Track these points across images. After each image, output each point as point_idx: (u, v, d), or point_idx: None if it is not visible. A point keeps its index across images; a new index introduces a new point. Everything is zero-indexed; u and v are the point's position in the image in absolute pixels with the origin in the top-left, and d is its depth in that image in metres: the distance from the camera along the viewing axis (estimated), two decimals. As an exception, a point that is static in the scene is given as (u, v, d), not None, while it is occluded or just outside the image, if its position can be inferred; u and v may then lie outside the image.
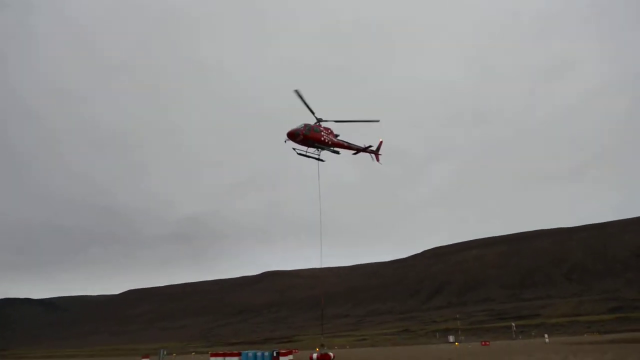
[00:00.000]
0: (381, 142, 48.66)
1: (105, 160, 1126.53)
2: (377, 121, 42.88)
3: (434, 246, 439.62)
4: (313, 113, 42.05)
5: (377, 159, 48.67)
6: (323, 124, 43.40)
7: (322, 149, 43.61)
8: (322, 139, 42.98)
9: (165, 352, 64.11)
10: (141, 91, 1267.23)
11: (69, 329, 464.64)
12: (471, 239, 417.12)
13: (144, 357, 55.32)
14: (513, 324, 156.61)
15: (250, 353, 45.55)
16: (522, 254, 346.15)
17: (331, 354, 52.31)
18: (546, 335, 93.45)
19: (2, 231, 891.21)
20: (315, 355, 51.18)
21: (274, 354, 43.62)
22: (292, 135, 41.62)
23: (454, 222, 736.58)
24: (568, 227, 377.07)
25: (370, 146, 47.44)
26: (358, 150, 47.14)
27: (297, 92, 39.79)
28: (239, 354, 46.26)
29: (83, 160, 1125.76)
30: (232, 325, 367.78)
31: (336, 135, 44.59)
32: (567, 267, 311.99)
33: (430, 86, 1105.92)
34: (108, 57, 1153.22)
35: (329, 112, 43.28)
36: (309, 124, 42.25)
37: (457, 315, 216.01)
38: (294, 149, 42.44)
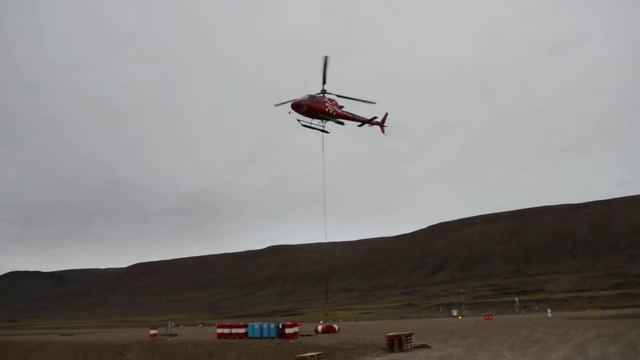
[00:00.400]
0: (386, 114, 48.45)
1: (109, 135, 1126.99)
2: (374, 103, 42.75)
3: (438, 222, 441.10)
4: (324, 83, 41.70)
5: (383, 131, 48.43)
6: (327, 96, 43.13)
7: (327, 120, 43.38)
8: (327, 110, 42.69)
9: (172, 324, 65.24)
10: (143, 66, 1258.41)
11: (78, 301, 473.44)
12: (476, 214, 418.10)
13: (152, 328, 56.33)
14: (516, 299, 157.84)
15: (257, 325, 46.28)
16: (527, 230, 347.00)
17: (336, 326, 53.15)
18: (549, 310, 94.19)
19: (10, 205, 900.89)
20: (320, 327, 52.01)
21: (280, 326, 44.32)
22: (296, 107, 41.31)
23: (458, 197, 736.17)
24: (573, 204, 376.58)
25: (375, 117, 47.08)
26: (363, 122, 46.73)
27: (325, 58, 39.55)
28: (245, 326, 47.01)
29: (87, 134, 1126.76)
30: (237, 298, 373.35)
31: (340, 107, 44.35)
32: (571, 243, 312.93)
33: (436, 59, 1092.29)
34: (111, 30, 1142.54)
35: (330, 85, 43.02)
36: (312, 95, 41.96)
37: (461, 290, 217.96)
38: (299, 120, 42.22)
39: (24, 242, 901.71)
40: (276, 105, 41.67)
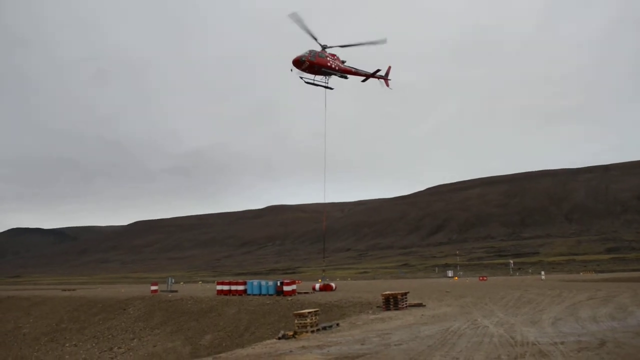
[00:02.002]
0: (389, 68, 47.28)
1: (110, 91, 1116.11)
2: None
3: (436, 184, 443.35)
4: (341, 46, 40.76)
5: (387, 84, 47.37)
6: (328, 50, 42.06)
7: (330, 75, 42.37)
8: (329, 64, 41.54)
9: (173, 280, 66.33)
10: (147, 20, 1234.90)
11: (79, 258, 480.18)
12: (474, 177, 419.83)
13: (152, 285, 57.34)
14: (511, 261, 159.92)
15: (255, 282, 47.04)
16: (524, 194, 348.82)
17: (333, 285, 54.08)
18: (542, 272, 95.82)
19: (11, 163, 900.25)
20: (317, 285, 52.94)
21: (278, 284, 45.07)
22: (298, 63, 40.24)
23: (457, 160, 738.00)
24: (571, 168, 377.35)
25: (378, 70, 45.92)
26: (366, 76, 45.51)
27: (382, 40, 38.95)
28: (244, 283, 47.78)
29: (88, 90, 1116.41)
30: (237, 256, 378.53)
31: (343, 62, 43.30)
32: (568, 207, 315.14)
33: (435, 21, 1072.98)
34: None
35: (331, 42, 42.15)
36: (314, 50, 40.84)
37: (457, 252, 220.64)
38: (301, 77, 41.26)
39: (25, 199, 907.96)
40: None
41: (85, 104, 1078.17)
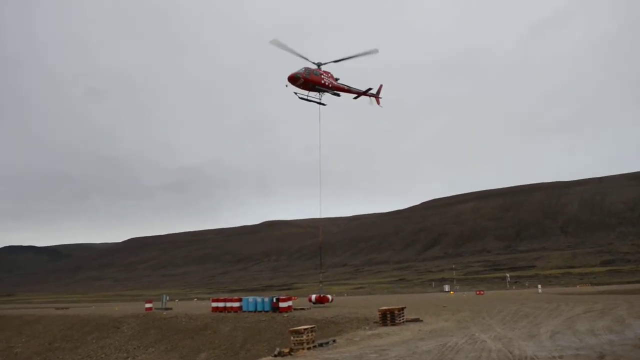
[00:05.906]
0: (381, 86, 48.48)
1: (105, 107, 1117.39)
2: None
3: (431, 198, 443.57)
4: (336, 61, 41.92)
5: (378, 102, 48.46)
6: (323, 67, 43.08)
7: (323, 92, 43.43)
8: (323, 82, 42.76)
9: (167, 298, 65.71)
10: (142, 35, 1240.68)
11: (73, 276, 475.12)
12: (469, 191, 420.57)
13: (147, 302, 56.75)
14: (507, 275, 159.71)
15: (251, 299, 46.67)
16: (519, 207, 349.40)
17: (330, 296, 53.71)
18: (539, 286, 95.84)
19: (4, 179, 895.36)
20: (314, 297, 52.56)
21: (274, 300, 44.72)
22: (293, 79, 41.41)
23: (451, 174, 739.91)
24: (566, 181, 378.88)
25: (370, 89, 47.06)
26: (358, 93, 46.69)
27: (372, 51, 39.89)
28: (239, 300, 47.39)
29: (84, 105, 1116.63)
30: (232, 273, 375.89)
31: (336, 79, 44.38)
32: (562, 220, 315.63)
33: (424, 36, 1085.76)
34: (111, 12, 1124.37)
35: (323, 59, 43.12)
36: (309, 68, 41.92)
37: (453, 266, 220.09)
38: (296, 93, 42.27)
39: (18, 217, 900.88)
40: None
41: (80, 120, 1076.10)
